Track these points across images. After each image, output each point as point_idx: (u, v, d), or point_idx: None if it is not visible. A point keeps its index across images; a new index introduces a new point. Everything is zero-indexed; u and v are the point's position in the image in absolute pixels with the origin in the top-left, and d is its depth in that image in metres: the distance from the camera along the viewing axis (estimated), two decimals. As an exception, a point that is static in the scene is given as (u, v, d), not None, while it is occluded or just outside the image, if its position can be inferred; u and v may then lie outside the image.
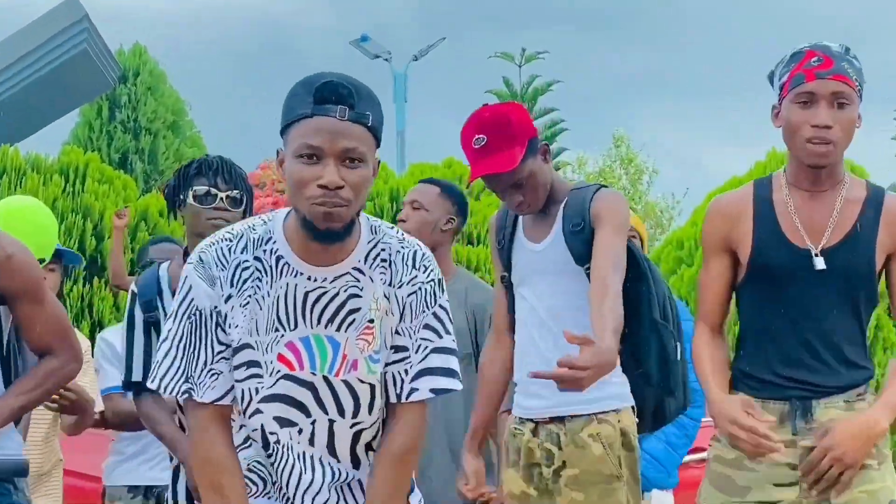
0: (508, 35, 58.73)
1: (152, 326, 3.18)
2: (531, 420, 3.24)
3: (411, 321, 2.31)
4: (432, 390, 2.32)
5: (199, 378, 2.25)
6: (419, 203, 4.07)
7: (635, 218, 4.20)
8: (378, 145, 2.22)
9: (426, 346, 2.32)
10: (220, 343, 2.26)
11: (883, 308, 9.90)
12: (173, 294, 3.14)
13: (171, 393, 2.27)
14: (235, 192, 3.20)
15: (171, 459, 3.17)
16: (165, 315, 3.12)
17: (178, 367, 2.26)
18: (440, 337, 2.34)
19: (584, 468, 3.16)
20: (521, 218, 3.30)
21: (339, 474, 2.36)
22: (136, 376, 3.18)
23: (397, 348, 2.32)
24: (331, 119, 2.14)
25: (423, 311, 2.31)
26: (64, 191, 9.85)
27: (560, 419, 3.20)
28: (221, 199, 3.16)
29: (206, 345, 2.25)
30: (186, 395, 2.26)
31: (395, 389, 2.33)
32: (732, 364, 2.86)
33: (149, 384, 2.31)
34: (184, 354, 2.26)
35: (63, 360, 2.87)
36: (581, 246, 3.11)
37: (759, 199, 2.78)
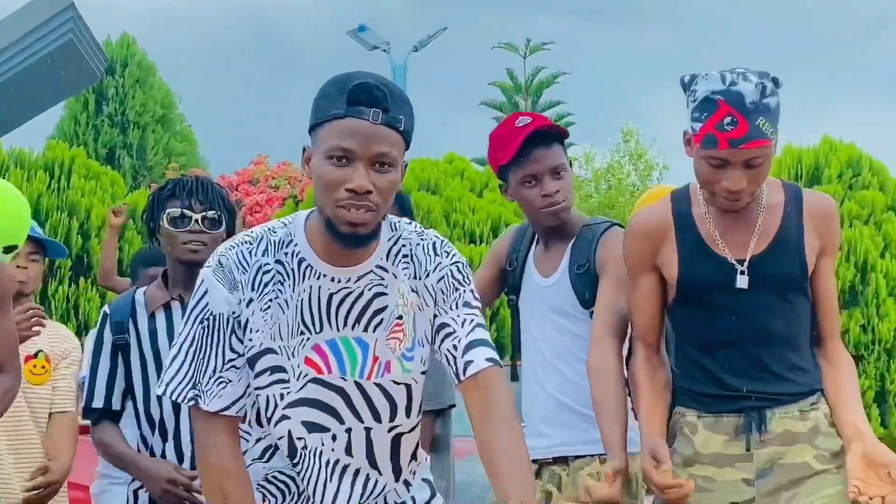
0: (512, 25, 58.92)
1: (120, 350, 3.11)
2: (535, 461, 3.11)
3: (446, 301, 2.30)
4: (488, 359, 2.27)
5: (206, 385, 2.23)
6: None
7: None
8: (407, 148, 2.21)
9: (472, 320, 2.30)
10: (233, 351, 2.24)
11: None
12: (149, 317, 3.11)
13: (177, 399, 2.25)
14: (212, 212, 3.11)
15: (132, 481, 3.11)
16: (137, 339, 3.10)
17: (186, 373, 2.24)
18: (479, 314, 2.33)
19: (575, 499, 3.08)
20: (534, 246, 3.27)
21: (377, 486, 2.33)
22: (98, 402, 3.11)
23: (440, 327, 2.30)
24: (364, 122, 2.13)
25: (458, 289, 2.30)
26: (49, 187, 9.74)
27: (564, 460, 3.17)
28: (197, 220, 3.08)
29: (216, 352, 2.24)
30: (193, 403, 2.24)
31: (453, 368, 2.29)
32: (674, 382, 2.80)
33: (157, 390, 2.30)
34: (193, 360, 2.24)
35: (12, 379, 2.90)
36: (585, 289, 3.11)
37: (680, 216, 2.74)
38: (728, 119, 2.55)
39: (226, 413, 2.25)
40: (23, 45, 12.73)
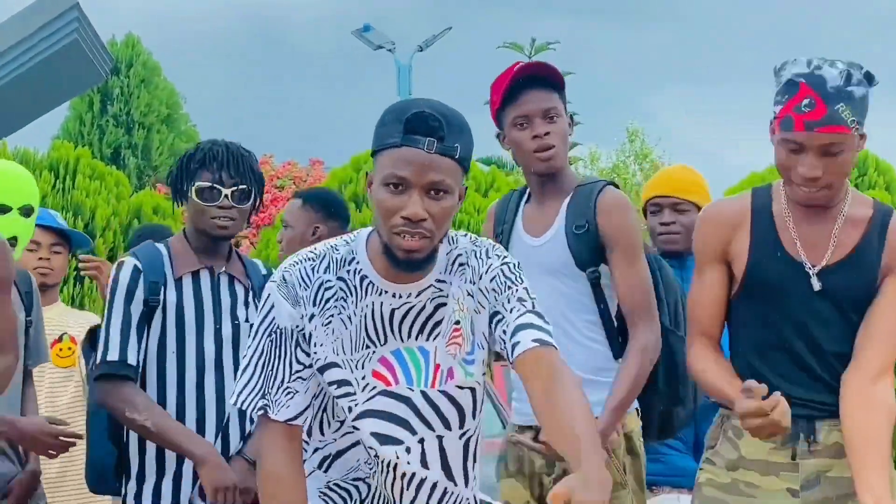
0: (517, 24, 58.73)
1: (149, 314, 2.97)
2: (531, 427, 3.14)
3: (500, 296, 2.32)
4: (535, 340, 2.25)
5: (275, 395, 2.31)
6: (286, 221, 4.16)
7: (702, 189, 3.86)
8: (466, 172, 2.27)
9: (521, 309, 2.31)
10: (299, 363, 2.32)
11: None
12: (176, 281, 2.98)
13: (247, 408, 2.32)
14: (243, 186, 3.02)
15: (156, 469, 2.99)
16: (163, 305, 2.97)
17: (256, 384, 2.32)
18: (534, 307, 2.32)
19: None
20: (521, 209, 3.21)
21: (452, 498, 2.39)
22: (113, 355, 2.95)
23: (493, 316, 2.32)
24: (419, 151, 2.19)
25: (511, 286, 2.32)
26: (54, 187, 9.73)
27: None
28: (226, 196, 2.99)
29: (284, 363, 2.31)
30: (262, 412, 2.32)
31: (506, 353, 2.32)
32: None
33: (229, 401, 2.39)
34: (262, 372, 2.32)
35: (10, 360, 2.91)
36: (584, 250, 3.06)
37: (758, 210, 2.69)
38: (806, 101, 2.50)
39: (293, 423, 2.33)
40: (27, 45, 12.72)
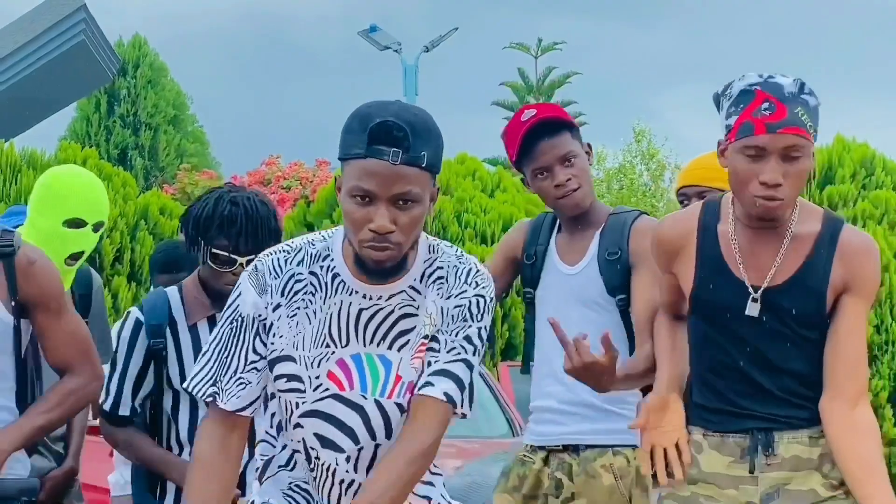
0: (524, 24, 58.84)
1: (154, 357, 3.01)
2: (543, 448, 3.19)
3: (449, 327, 2.30)
4: (445, 394, 2.25)
5: (226, 384, 2.28)
6: None
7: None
8: (436, 174, 2.23)
9: (458, 353, 2.29)
10: (256, 353, 2.29)
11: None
12: (190, 328, 3.00)
13: (196, 393, 2.30)
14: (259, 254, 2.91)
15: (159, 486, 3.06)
16: (177, 348, 3.00)
17: (210, 370, 2.29)
18: (473, 355, 2.31)
19: (592, 499, 3.11)
20: (555, 236, 3.23)
21: None
22: (124, 410, 3.05)
23: (432, 338, 2.30)
24: (384, 163, 2.15)
25: (466, 322, 2.30)
26: None
27: (574, 449, 3.16)
28: (242, 264, 2.91)
29: (241, 352, 2.28)
30: (211, 399, 2.29)
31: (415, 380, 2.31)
32: (687, 397, 2.72)
33: (183, 385, 2.38)
34: (217, 358, 2.29)
35: (83, 378, 2.87)
36: (615, 276, 3.10)
37: (705, 229, 2.64)
38: (766, 105, 2.47)
39: (241, 413, 2.29)
40: (35, 47, 12.78)
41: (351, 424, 2.29)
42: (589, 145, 3.21)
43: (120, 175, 10.35)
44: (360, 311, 2.27)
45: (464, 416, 2.31)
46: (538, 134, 3.11)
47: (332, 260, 2.29)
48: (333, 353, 2.28)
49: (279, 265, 2.29)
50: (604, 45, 64.14)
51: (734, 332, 2.59)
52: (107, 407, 3.07)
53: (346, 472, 2.31)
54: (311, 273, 2.29)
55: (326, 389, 2.28)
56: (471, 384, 2.32)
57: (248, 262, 2.80)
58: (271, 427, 2.40)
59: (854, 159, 10.69)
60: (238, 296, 2.30)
